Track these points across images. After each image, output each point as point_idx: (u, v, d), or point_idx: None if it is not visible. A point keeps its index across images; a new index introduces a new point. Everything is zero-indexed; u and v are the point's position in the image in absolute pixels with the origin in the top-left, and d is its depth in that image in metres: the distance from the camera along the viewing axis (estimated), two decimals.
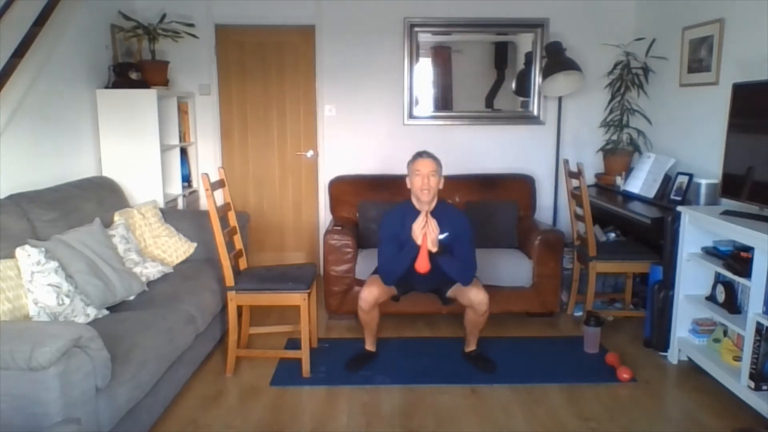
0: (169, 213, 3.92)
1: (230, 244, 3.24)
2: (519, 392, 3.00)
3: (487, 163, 4.67)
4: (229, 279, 3.12)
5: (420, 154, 3.11)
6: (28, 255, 2.54)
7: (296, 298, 3.14)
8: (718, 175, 3.32)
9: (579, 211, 3.90)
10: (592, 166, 4.68)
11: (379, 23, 4.61)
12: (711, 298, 3.12)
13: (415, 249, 2.97)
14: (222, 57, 4.70)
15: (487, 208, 4.22)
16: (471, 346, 3.36)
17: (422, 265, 2.96)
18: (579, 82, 4.40)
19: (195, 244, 3.74)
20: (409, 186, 3.13)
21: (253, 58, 4.72)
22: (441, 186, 3.12)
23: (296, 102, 4.80)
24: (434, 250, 2.96)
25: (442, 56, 4.74)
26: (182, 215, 4.02)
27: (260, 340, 3.57)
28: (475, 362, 3.28)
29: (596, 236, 3.91)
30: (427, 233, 2.93)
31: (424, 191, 3.02)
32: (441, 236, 2.99)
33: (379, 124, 4.74)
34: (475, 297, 3.12)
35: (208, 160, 4.77)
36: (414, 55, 4.64)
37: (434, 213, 3.03)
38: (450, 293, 3.25)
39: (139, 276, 3.16)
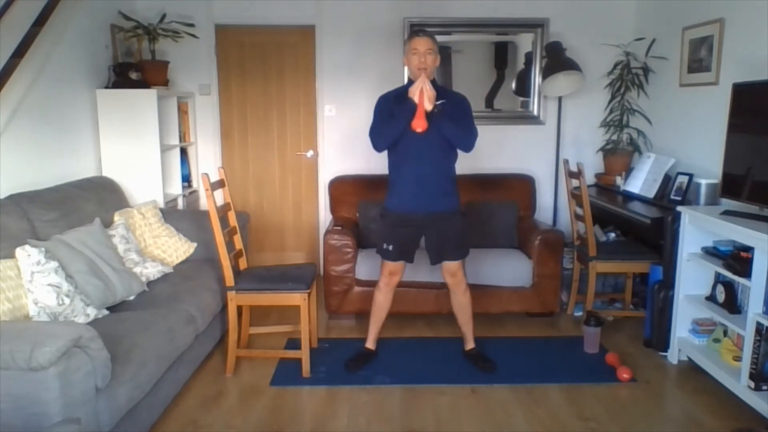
0: (169, 213, 3.92)
1: (230, 244, 3.24)
2: (519, 392, 3.00)
3: (487, 163, 4.66)
4: (229, 279, 3.12)
5: (416, 32, 3.07)
6: (28, 255, 2.54)
7: (296, 298, 3.14)
8: (718, 175, 3.32)
9: (579, 211, 3.90)
10: (592, 166, 4.68)
11: (379, 23, 4.61)
12: (711, 298, 3.12)
13: (412, 108, 2.89)
14: (222, 57, 4.70)
15: (487, 208, 4.22)
16: (470, 344, 3.36)
17: (419, 123, 2.87)
18: (579, 82, 4.41)
19: (195, 244, 3.74)
20: (405, 65, 3.13)
21: (253, 58, 4.72)
22: (437, 64, 3.06)
23: (296, 102, 4.80)
24: (430, 107, 2.89)
25: (442, 56, 4.72)
26: (182, 215, 4.02)
27: (260, 340, 3.57)
28: (475, 362, 3.28)
29: (596, 236, 3.91)
30: (423, 89, 2.88)
31: (421, 69, 2.97)
32: (438, 102, 2.93)
33: None
34: (452, 266, 3.17)
35: (208, 160, 4.77)
36: None
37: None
38: (439, 262, 3.20)
39: (139, 276, 3.16)
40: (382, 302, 3.28)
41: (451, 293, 3.29)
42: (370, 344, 3.37)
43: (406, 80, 4.55)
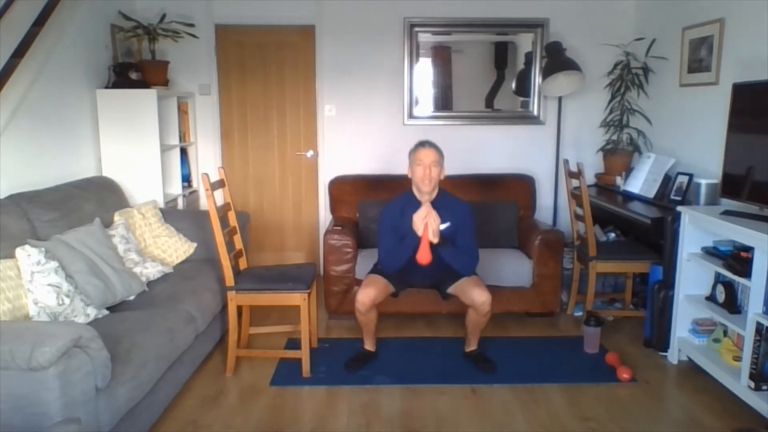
0: (169, 213, 3.92)
1: (230, 244, 3.24)
2: (519, 392, 3.00)
3: (487, 163, 4.67)
4: (229, 279, 3.12)
5: (422, 144, 3.09)
6: (28, 255, 2.54)
7: (296, 298, 3.14)
8: (718, 175, 3.32)
9: (579, 211, 3.90)
10: (592, 166, 4.68)
11: (379, 23, 4.61)
12: (711, 298, 3.12)
13: (416, 240, 2.94)
14: (222, 57, 4.70)
15: (487, 208, 4.22)
16: (472, 346, 3.36)
17: (424, 256, 2.93)
18: (579, 82, 4.41)
19: (195, 244, 3.74)
20: (409, 176, 3.11)
21: (253, 58, 4.72)
22: (442, 177, 3.10)
23: (296, 102, 4.80)
24: (435, 241, 2.93)
25: (442, 56, 4.74)
26: (182, 215, 4.02)
27: (260, 340, 3.57)
28: (475, 362, 3.28)
29: (596, 236, 3.91)
30: (428, 223, 2.91)
31: (425, 182, 3.01)
32: (442, 226, 2.97)
33: (379, 124, 4.74)
34: (477, 297, 3.11)
35: (208, 160, 4.77)
36: (414, 55, 4.64)
37: (435, 203, 3.02)
38: (451, 290, 3.23)
39: (139, 276, 3.16)
40: (365, 321, 3.27)
41: (472, 310, 3.22)
42: (369, 347, 3.38)
43: (413, 78, 4.60)
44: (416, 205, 3.00)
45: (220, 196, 3.35)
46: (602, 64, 4.57)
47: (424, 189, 3.04)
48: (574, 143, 4.79)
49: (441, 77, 4.76)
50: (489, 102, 4.81)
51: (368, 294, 3.11)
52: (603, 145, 4.62)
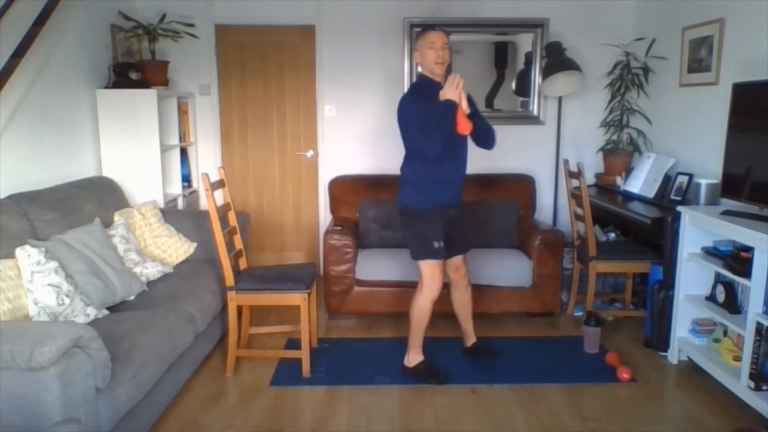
0: (169, 213, 3.92)
1: (230, 244, 3.24)
2: (519, 392, 3.00)
3: (487, 163, 4.65)
4: (229, 279, 3.12)
5: (431, 27, 3.00)
6: (28, 255, 2.54)
7: (296, 298, 3.14)
8: (718, 175, 3.32)
9: (579, 211, 3.90)
10: (592, 166, 4.68)
11: (379, 23, 4.61)
12: (711, 298, 3.12)
13: (454, 110, 2.85)
14: (222, 57, 4.70)
15: (487, 208, 4.23)
16: (471, 339, 3.36)
17: (465, 125, 2.89)
18: (579, 82, 4.41)
19: (195, 244, 3.74)
20: (417, 60, 3.04)
21: (253, 58, 4.72)
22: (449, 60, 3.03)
23: (296, 102, 4.80)
24: (468, 111, 2.91)
25: None
26: (182, 215, 4.02)
27: (260, 340, 3.57)
28: (478, 355, 3.27)
29: (596, 236, 3.91)
30: (461, 93, 2.87)
31: (439, 64, 2.94)
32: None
33: (379, 124, 4.74)
34: (456, 260, 3.14)
35: (208, 160, 4.77)
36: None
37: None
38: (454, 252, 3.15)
39: (139, 276, 3.16)
40: (430, 312, 3.09)
41: (454, 290, 3.26)
42: (420, 355, 3.17)
43: (413, 78, 4.59)
44: (437, 86, 2.92)
45: (220, 196, 3.35)
46: (602, 64, 4.57)
47: (438, 71, 2.96)
48: (574, 143, 4.79)
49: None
50: (489, 102, 4.81)
51: (440, 266, 2.99)
52: (603, 145, 4.62)
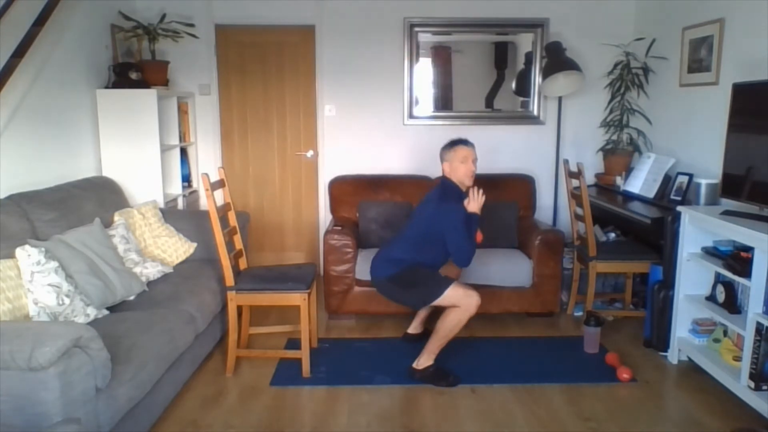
0: (169, 213, 3.92)
1: (230, 244, 3.24)
2: (519, 392, 3.00)
3: (486, 163, 4.64)
4: (229, 279, 3.12)
5: (463, 142, 3.20)
6: (28, 255, 2.54)
7: (296, 298, 3.14)
8: (718, 175, 3.32)
9: (579, 211, 3.90)
10: (592, 166, 4.68)
11: (379, 23, 4.61)
12: (711, 298, 3.12)
13: (478, 223, 3.16)
14: (222, 57, 4.70)
15: (487, 208, 4.19)
16: (421, 328, 3.37)
17: (479, 235, 3.20)
18: (579, 82, 4.41)
19: (195, 244, 3.74)
20: (447, 172, 3.20)
21: (253, 58, 4.72)
22: None
23: (296, 102, 4.80)
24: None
25: (442, 56, 4.74)
26: (182, 215, 4.02)
27: (260, 340, 3.57)
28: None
29: (596, 236, 3.91)
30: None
31: (470, 177, 3.16)
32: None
33: (379, 124, 4.74)
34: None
35: (208, 160, 4.77)
36: (414, 55, 4.64)
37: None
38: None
39: (139, 276, 3.16)
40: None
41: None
42: (432, 360, 3.17)
43: (412, 78, 4.60)
44: (463, 195, 3.18)
45: (220, 196, 3.35)
46: (602, 64, 4.57)
47: (469, 184, 3.18)
48: (574, 143, 4.79)
49: (441, 77, 4.76)
50: (489, 102, 4.81)
51: (474, 291, 3.07)
52: (603, 145, 4.62)
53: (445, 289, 3.02)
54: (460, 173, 3.16)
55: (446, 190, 3.17)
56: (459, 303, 3.02)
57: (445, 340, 3.09)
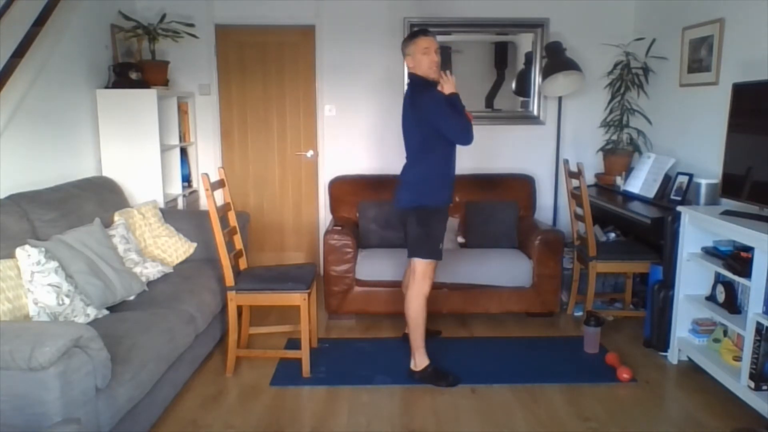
0: (169, 213, 3.92)
1: (230, 244, 3.24)
2: (519, 392, 3.00)
3: (487, 163, 4.67)
4: (229, 279, 3.12)
5: (423, 32, 3.10)
6: (28, 255, 2.54)
7: (296, 298, 3.14)
8: (718, 175, 3.32)
9: (579, 211, 3.90)
10: (592, 166, 4.68)
11: (379, 23, 4.61)
12: (711, 298, 3.12)
13: (459, 101, 3.05)
14: (222, 57, 4.70)
15: (487, 208, 4.22)
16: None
17: (468, 115, 3.06)
18: (579, 82, 4.41)
19: (195, 244, 3.74)
20: (411, 67, 3.11)
21: (253, 58, 4.73)
22: None
23: (296, 102, 4.80)
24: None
25: (442, 56, 4.71)
26: (182, 215, 4.02)
27: (260, 340, 3.57)
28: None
29: (596, 236, 3.91)
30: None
31: (434, 68, 3.06)
32: None
33: (379, 124, 4.74)
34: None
35: (208, 160, 4.77)
36: None
37: None
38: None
39: (139, 276, 3.16)
40: (425, 306, 3.12)
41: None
42: (426, 358, 3.14)
43: (406, 78, 4.59)
44: (435, 84, 3.07)
45: (220, 196, 3.35)
46: (602, 64, 4.57)
47: (434, 75, 3.06)
48: (574, 143, 4.79)
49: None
50: (489, 102, 4.81)
51: (431, 279, 3.07)
52: (603, 145, 4.62)
53: (431, 258, 3.05)
54: (424, 65, 3.05)
55: (415, 85, 3.10)
56: (419, 278, 3.06)
57: (418, 329, 3.10)
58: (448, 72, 3.07)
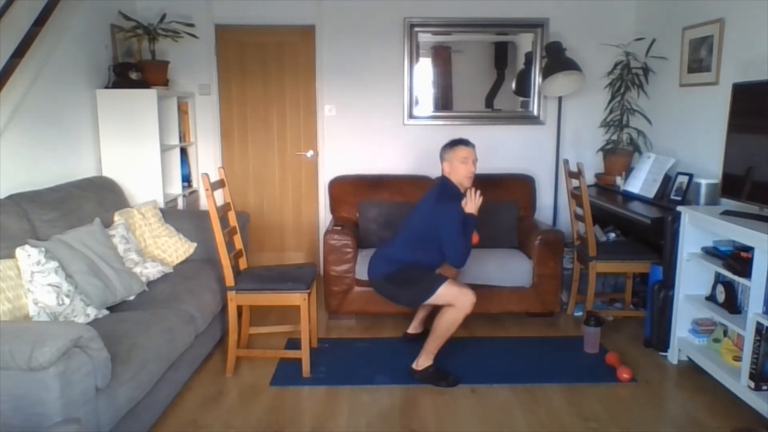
0: (169, 213, 3.92)
1: (230, 244, 3.24)
2: (519, 392, 3.00)
3: (487, 163, 4.64)
4: (229, 279, 3.12)
5: (464, 142, 3.19)
6: (28, 255, 2.54)
7: (296, 298, 3.14)
8: (718, 175, 3.32)
9: (579, 211, 3.90)
10: (592, 166, 4.68)
11: (379, 23, 4.61)
12: (711, 298, 3.12)
13: (473, 224, 3.14)
14: (222, 57, 4.70)
15: (487, 208, 4.17)
16: (420, 328, 3.33)
17: (475, 236, 3.19)
18: (579, 82, 4.41)
19: (195, 244, 3.74)
20: (446, 172, 3.19)
21: (253, 58, 4.72)
22: None
23: (296, 102, 4.80)
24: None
25: (442, 56, 4.74)
26: (182, 215, 4.02)
27: (260, 340, 3.57)
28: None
29: (596, 236, 3.91)
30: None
31: (470, 178, 3.16)
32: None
33: (379, 124, 4.74)
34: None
35: (208, 160, 4.77)
36: (414, 55, 4.64)
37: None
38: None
39: (139, 276, 3.16)
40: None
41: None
42: (431, 360, 3.16)
43: (412, 79, 4.61)
44: (461, 196, 3.17)
45: (220, 196, 3.35)
46: (602, 64, 4.57)
47: (468, 185, 3.18)
48: (574, 143, 4.79)
49: (441, 77, 4.76)
50: (489, 102, 4.81)
51: (469, 289, 3.06)
52: (603, 145, 4.62)
53: (439, 287, 3.02)
54: (460, 174, 3.16)
55: (444, 190, 3.17)
56: (453, 301, 3.01)
57: (443, 339, 3.09)
58: (478, 192, 3.15)
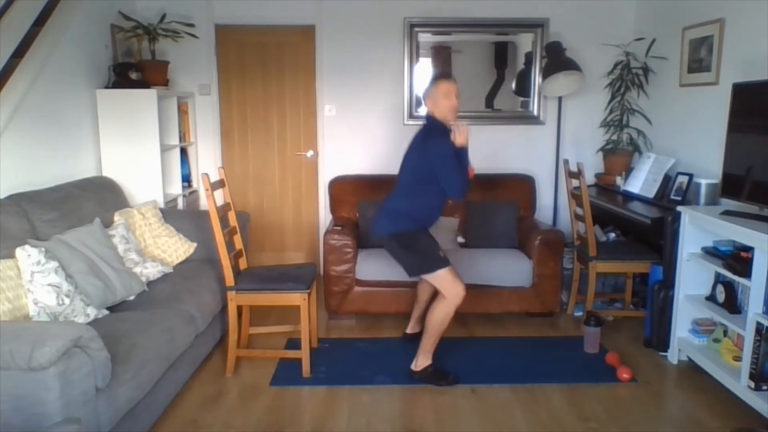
0: (169, 213, 3.92)
1: (230, 244, 3.24)
2: (519, 392, 3.00)
3: (487, 163, 4.66)
4: (229, 279, 3.12)
5: (445, 76, 3.12)
6: (28, 255, 2.54)
7: (296, 298, 3.14)
8: (718, 175, 3.32)
9: (579, 211, 3.90)
10: (592, 166, 4.68)
11: (379, 23, 4.61)
12: (711, 298, 3.12)
13: (466, 156, 3.07)
14: (222, 57, 4.70)
15: (487, 208, 4.22)
16: (418, 327, 3.31)
17: (470, 170, 3.12)
18: (579, 82, 4.41)
19: (195, 244, 3.74)
20: (430, 110, 3.12)
21: (253, 58, 4.73)
22: None
23: (296, 102, 4.80)
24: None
25: (442, 56, 4.74)
26: (182, 215, 4.02)
27: (260, 340, 3.57)
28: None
29: (596, 236, 3.91)
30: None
31: (455, 112, 3.07)
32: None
33: (379, 124, 4.74)
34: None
35: (208, 160, 4.77)
36: (414, 55, 4.64)
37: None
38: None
39: (139, 276, 3.16)
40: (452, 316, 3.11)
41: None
42: (429, 359, 3.15)
43: (412, 80, 4.61)
44: (448, 131, 3.06)
45: (220, 196, 3.35)
46: (602, 64, 4.57)
47: (452, 120, 3.07)
48: (574, 143, 4.79)
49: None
50: (489, 102, 4.81)
51: (461, 284, 3.02)
52: (603, 145, 4.61)
53: (440, 268, 3.01)
54: (444, 108, 3.06)
55: (431, 128, 3.11)
56: (446, 288, 3.01)
57: (436, 336, 3.08)
58: (464, 124, 3.06)
